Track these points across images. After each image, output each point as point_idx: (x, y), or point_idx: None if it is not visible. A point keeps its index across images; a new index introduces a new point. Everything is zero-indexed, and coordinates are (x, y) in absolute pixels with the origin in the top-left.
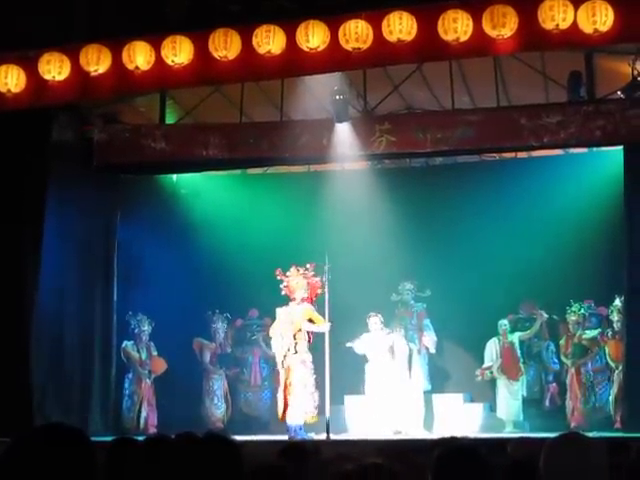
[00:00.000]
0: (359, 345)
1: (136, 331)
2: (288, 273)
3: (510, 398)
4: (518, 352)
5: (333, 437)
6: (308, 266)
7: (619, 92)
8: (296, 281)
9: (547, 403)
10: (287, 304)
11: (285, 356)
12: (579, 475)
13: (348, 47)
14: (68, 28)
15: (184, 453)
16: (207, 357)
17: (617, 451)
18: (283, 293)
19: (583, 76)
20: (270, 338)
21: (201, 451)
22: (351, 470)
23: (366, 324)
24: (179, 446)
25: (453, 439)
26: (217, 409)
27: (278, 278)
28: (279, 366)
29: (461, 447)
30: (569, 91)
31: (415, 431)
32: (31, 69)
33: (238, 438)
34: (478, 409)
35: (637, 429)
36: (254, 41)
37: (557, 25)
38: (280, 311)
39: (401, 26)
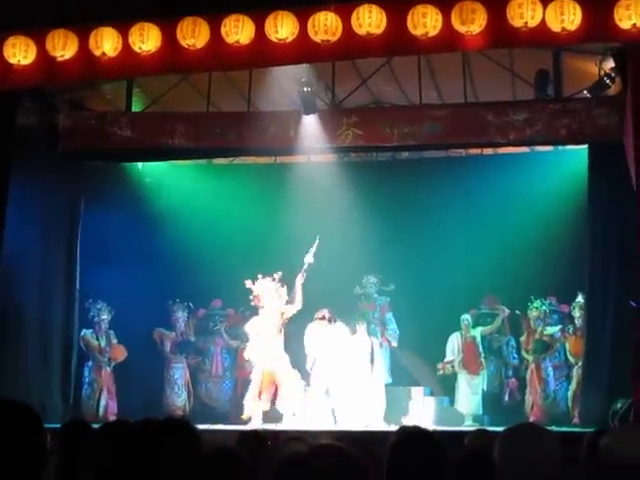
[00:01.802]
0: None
1: (95, 319)
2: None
3: (470, 392)
4: (479, 347)
5: (291, 427)
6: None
7: (585, 91)
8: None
9: (506, 398)
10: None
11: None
12: (533, 464)
13: (317, 39)
14: (35, 12)
15: (142, 436)
16: (167, 346)
17: (571, 444)
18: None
19: (550, 74)
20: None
21: (159, 434)
22: (304, 451)
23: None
24: (137, 430)
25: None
26: (178, 398)
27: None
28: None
29: (416, 431)
30: (536, 89)
31: (375, 423)
32: None
33: (198, 427)
34: (438, 403)
35: (594, 424)
36: (222, 30)
37: (526, 23)
38: None
39: (370, 19)
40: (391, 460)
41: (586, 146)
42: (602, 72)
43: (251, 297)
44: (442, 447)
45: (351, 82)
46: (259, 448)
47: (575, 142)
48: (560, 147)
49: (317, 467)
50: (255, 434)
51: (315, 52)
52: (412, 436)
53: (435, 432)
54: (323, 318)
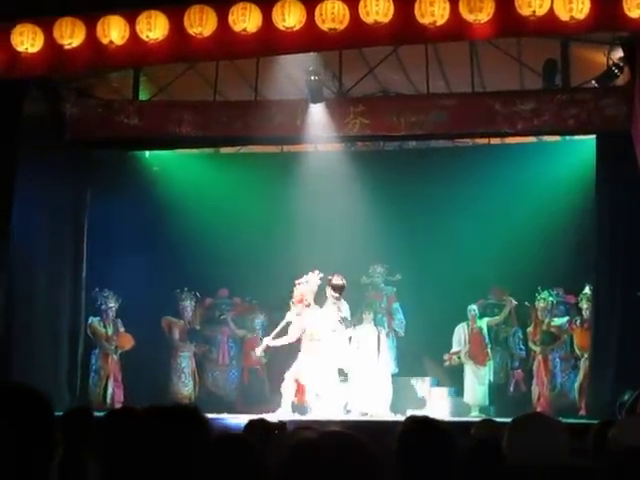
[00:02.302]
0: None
1: (103, 307)
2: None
3: (477, 383)
4: (486, 338)
5: (298, 417)
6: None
7: (594, 81)
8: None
9: (511, 389)
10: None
11: None
12: (541, 454)
13: (324, 27)
14: (42, 0)
15: (149, 423)
16: (176, 334)
17: (578, 435)
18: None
19: (558, 64)
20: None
21: (167, 421)
22: (313, 437)
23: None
24: (144, 416)
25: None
26: (184, 386)
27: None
28: None
29: (425, 420)
30: (544, 79)
31: (382, 413)
32: (3, 40)
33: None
34: (444, 393)
35: (600, 416)
36: (230, 19)
37: (534, 11)
38: None
39: (378, 7)
40: (400, 449)
41: (594, 136)
42: (610, 62)
43: (296, 296)
44: (450, 436)
45: (358, 71)
46: (267, 436)
47: (583, 132)
48: (568, 137)
49: (325, 452)
50: (262, 423)
51: (322, 41)
52: (421, 425)
53: (442, 422)
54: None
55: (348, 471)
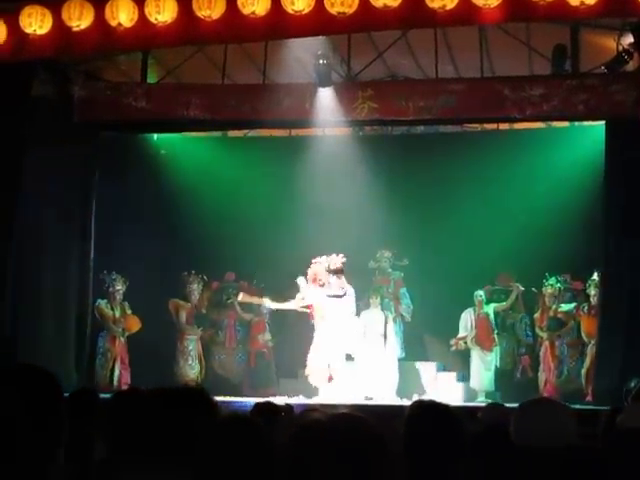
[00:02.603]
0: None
1: (110, 290)
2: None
3: (483, 368)
4: (493, 323)
5: (305, 401)
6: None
7: (603, 67)
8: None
9: (518, 375)
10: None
11: None
12: (549, 438)
13: (333, 11)
14: None
15: (156, 404)
16: (183, 317)
17: (585, 422)
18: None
19: (568, 50)
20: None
21: (174, 402)
22: (321, 419)
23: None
24: (151, 398)
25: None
26: (191, 369)
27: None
28: None
29: (433, 404)
30: (553, 64)
31: (388, 398)
32: (12, 22)
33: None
34: (451, 378)
35: (607, 402)
36: (238, 1)
37: None
38: None
39: None
40: (408, 433)
41: (603, 122)
42: (620, 48)
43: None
44: (458, 420)
45: (367, 55)
46: (273, 419)
47: (592, 118)
48: (577, 123)
49: (333, 433)
50: (269, 405)
51: (331, 24)
52: (429, 409)
53: (449, 406)
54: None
55: (356, 452)
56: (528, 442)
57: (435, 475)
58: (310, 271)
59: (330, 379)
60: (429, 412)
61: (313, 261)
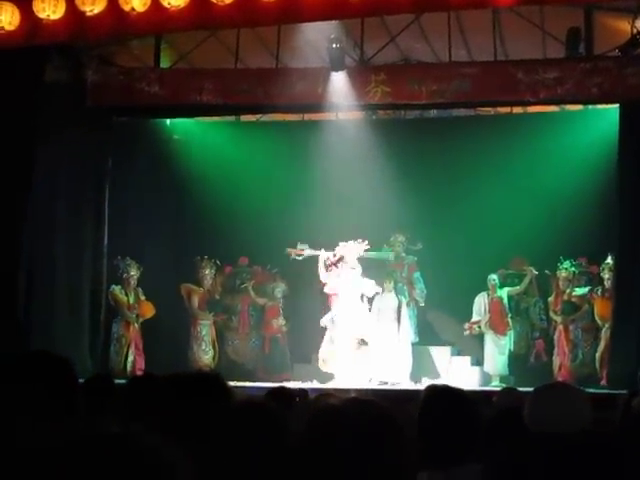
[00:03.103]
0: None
1: (124, 275)
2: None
3: (497, 352)
4: (506, 307)
5: (319, 386)
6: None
7: (617, 50)
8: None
9: (532, 359)
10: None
11: None
12: (564, 422)
13: None
14: None
15: (171, 390)
16: (195, 302)
17: (599, 405)
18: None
19: (582, 32)
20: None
21: (189, 388)
22: (336, 404)
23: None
24: (166, 383)
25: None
26: (205, 355)
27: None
28: None
29: (447, 389)
30: (567, 47)
31: (402, 382)
32: (25, 7)
33: None
34: (465, 362)
35: (622, 386)
36: None
37: None
38: None
39: None
40: (422, 417)
41: (617, 105)
42: (634, 30)
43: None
44: (474, 404)
45: (380, 39)
46: (288, 404)
47: (606, 101)
48: (590, 106)
49: (349, 418)
50: (283, 390)
51: (344, 8)
52: (444, 393)
53: (464, 390)
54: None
55: (371, 437)
56: (542, 427)
57: (449, 459)
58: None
59: (345, 365)
60: (444, 396)
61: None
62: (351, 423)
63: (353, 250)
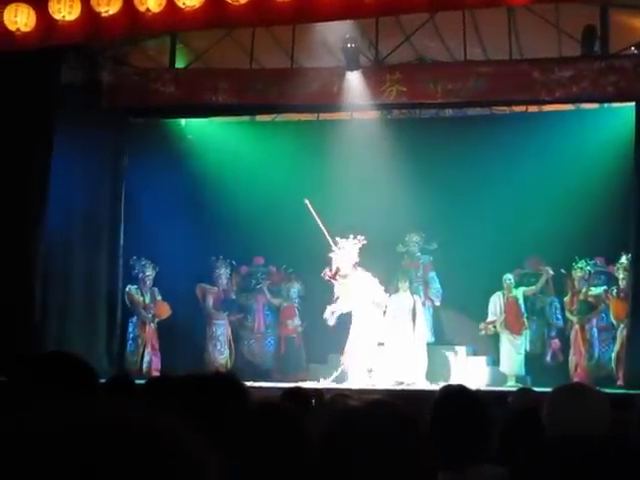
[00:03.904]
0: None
1: (140, 275)
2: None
3: (513, 352)
4: (522, 307)
5: (334, 385)
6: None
7: (633, 48)
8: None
9: (549, 359)
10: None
11: None
12: (583, 424)
13: None
14: None
15: (189, 391)
16: (210, 302)
17: (616, 405)
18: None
19: (597, 31)
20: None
21: (206, 389)
22: (360, 407)
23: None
24: (184, 384)
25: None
26: (220, 355)
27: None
28: None
29: (460, 390)
30: (583, 45)
31: (417, 382)
32: (41, 8)
33: None
34: (480, 362)
35: (638, 386)
36: None
37: None
38: None
39: None
40: (435, 418)
41: (633, 103)
42: None
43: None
44: (485, 406)
45: (395, 38)
46: (304, 405)
47: (622, 100)
48: (606, 105)
49: (372, 419)
50: (299, 391)
51: (359, 8)
52: (455, 395)
53: (478, 391)
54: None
55: (394, 440)
56: (561, 429)
57: (461, 459)
58: (333, 265)
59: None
60: (456, 398)
61: (330, 255)
62: (373, 425)
63: (345, 256)
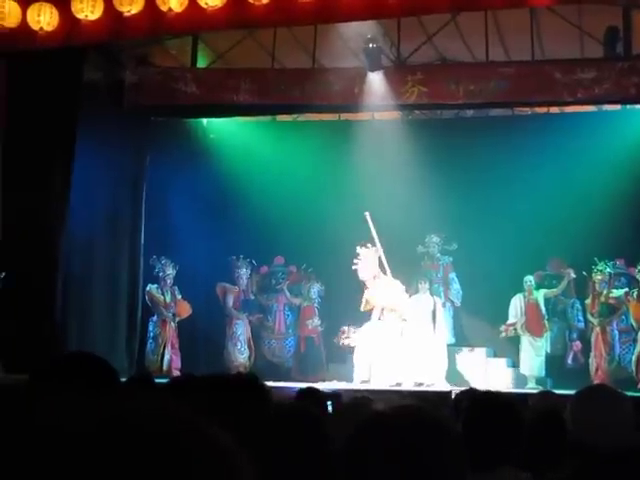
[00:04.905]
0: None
1: (160, 275)
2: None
3: (533, 354)
4: (543, 309)
5: (353, 386)
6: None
7: None
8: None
9: (570, 361)
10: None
11: None
12: (607, 426)
13: None
14: None
15: (212, 392)
16: (230, 301)
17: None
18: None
19: (620, 32)
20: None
21: (230, 391)
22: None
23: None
24: (207, 385)
25: (475, 390)
26: (240, 354)
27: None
28: None
29: (493, 395)
30: (605, 46)
31: (437, 383)
32: (64, 8)
33: None
34: (501, 364)
35: None
36: None
37: None
38: None
39: None
40: (466, 420)
41: None
42: None
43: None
44: (517, 408)
45: (416, 39)
46: (320, 406)
47: None
48: (628, 106)
49: (402, 425)
50: (314, 392)
51: (381, 8)
52: (486, 399)
53: (506, 394)
54: None
55: (424, 445)
56: (585, 431)
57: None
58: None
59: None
60: (486, 402)
61: (353, 265)
62: (401, 432)
63: (367, 267)
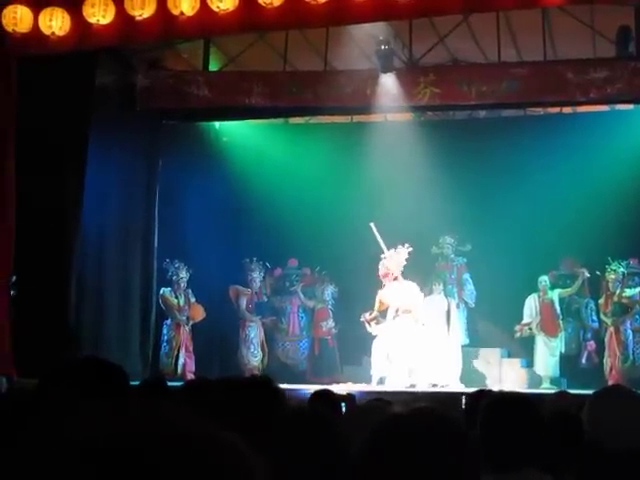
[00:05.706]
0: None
1: (174, 278)
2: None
3: (548, 354)
4: (557, 309)
5: (367, 388)
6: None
7: None
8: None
9: (584, 361)
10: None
11: None
12: (624, 427)
13: None
14: None
15: (227, 395)
16: (243, 304)
17: None
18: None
19: (632, 31)
20: None
21: (245, 393)
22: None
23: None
24: (222, 388)
25: (489, 392)
26: (253, 357)
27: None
28: None
29: (513, 395)
30: (617, 46)
31: (451, 384)
32: (76, 12)
33: None
34: (515, 364)
35: None
36: None
37: None
38: None
39: None
40: (486, 424)
41: None
42: None
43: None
44: (537, 408)
45: (428, 40)
46: (333, 408)
47: None
48: None
49: (419, 428)
50: (328, 394)
51: (393, 9)
52: (507, 400)
53: (524, 394)
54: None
55: (442, 448)
56: (603, 432)
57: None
58: (381, 266)
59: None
60: (507, 403)
61: (382, 256)
62: (419, 435)
63: (391, 267)
